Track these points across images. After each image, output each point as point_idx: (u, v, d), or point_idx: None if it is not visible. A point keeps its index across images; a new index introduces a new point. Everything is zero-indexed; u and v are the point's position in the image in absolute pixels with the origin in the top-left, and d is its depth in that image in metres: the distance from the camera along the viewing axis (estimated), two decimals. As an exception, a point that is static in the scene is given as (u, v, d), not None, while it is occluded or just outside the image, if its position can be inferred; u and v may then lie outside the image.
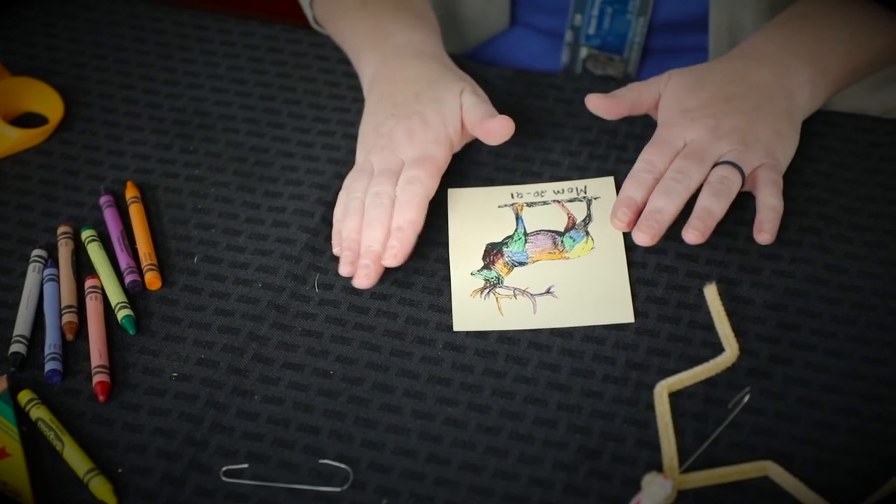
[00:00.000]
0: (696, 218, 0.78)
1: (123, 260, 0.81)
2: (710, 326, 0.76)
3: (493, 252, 0.82)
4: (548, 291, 0.79)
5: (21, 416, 0.74)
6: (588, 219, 0.83)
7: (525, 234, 0.83)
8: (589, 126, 0.89)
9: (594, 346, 0.76)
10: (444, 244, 0.83)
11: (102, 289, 0.80)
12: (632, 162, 0.86)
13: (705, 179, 0.79)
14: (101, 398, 0.74)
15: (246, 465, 0.71)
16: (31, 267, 0.81)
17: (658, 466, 0.70)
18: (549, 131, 0.89)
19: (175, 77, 0.95)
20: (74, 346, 0.78)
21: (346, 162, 0.87)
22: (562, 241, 0.82)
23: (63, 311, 0.79)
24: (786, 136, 0.82)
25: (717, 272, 0.79)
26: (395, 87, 0.84)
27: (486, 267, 0.81)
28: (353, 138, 0.88)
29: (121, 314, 0.78)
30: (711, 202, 0.78)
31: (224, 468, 0.71)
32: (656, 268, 0.80)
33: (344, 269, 0.80)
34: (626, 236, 0.82)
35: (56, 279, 0.81)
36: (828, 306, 0.77)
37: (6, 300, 0.80)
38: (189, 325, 0.78)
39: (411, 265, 0.81)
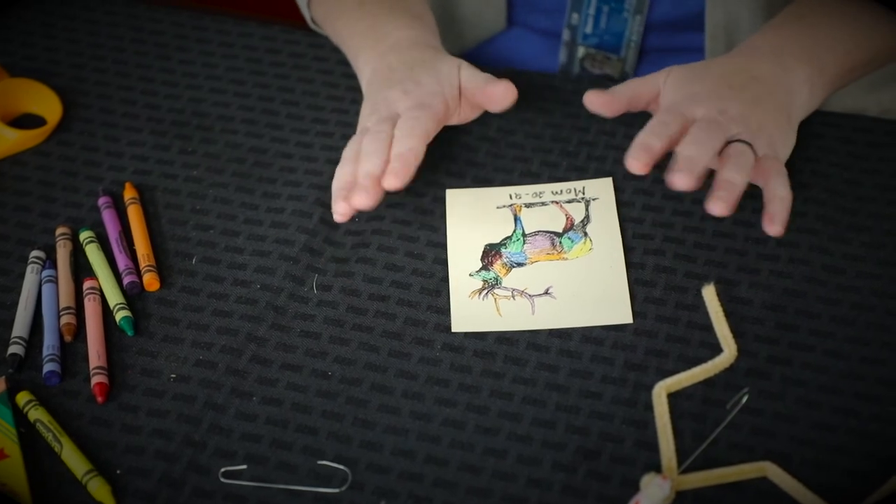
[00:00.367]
0: (721, 189, 0.75)
1: (122, 261, 0.81)
2: (708, 327, 0.76)
3: (491, 253, 0.82)
4: (546, 292, 0.79)
5: (19, 417, 0.74)
6: (586, 220, 0.83)
7: (523, 234, 0.83)
8: (587, 127, 0.89)
9: (593, 346, 0.76)
10: (443, 245, 0.83)
11: (101, 290, 0.80)
12: (630, 163, 0.87)
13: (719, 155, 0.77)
14: (99, 399, 0.74)
15: (244, 467, 0.71)
16: (29, 268, 0.81)
17: (656, 467, 0.70)
18: (548, 132, 0.89)
19: (174, 78, 0.95)
20: (73, 347, 0.78)
21: (344, 163, 0.87)
22: (560, 242, 0.82)
23: (61, 313, 0.79)
24: (785, 133, 0.82)
25: (715, 273, 0.79)
26: (392, 72, 0.84)
27: (485, 268, 0.81)
28: (352, 139, 0.88)
29: (119, 315, 0.78)
30: (733, 174, 0.75)
31: (223, 469, 0.71)
32: (654, 268, 0.80)
33: (337, 206, 0.78)
34: (625, 237, 0.82)
35: (54, 280, 0.81)
36: (826, 307, 0.77)
37: (4, 301, 0.80)
38: (187, 326, 0.78)
39: (409, 266, 0.81)
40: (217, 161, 0.89)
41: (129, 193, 0.86)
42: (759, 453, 0.70)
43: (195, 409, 0.74)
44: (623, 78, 0.99)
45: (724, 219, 0.83)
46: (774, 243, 0.81)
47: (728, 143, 0.78)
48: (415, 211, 0.85)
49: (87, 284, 0.80)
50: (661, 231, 0.82)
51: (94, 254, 0.82)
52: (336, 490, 0.70)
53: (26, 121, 0.92)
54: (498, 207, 0.85)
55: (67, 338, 0.78)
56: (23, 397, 0.75)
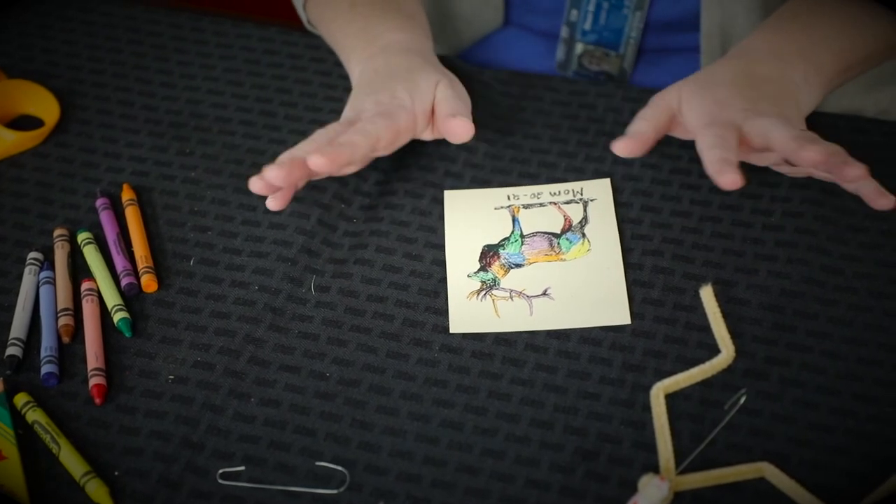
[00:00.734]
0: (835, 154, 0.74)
1: (120, 262, 0.81)
2: (706, 328, 0.76)
3: (489, 254, 0.82)
4: (544, 293, 0.79)
5: (17, 419, 0.74)
6: (584, 220, 0.83)
7: (521, 235, 0.83)
8: (585, 128, 0.90)
9: (590, 347, 0.76)
10: (441, 246, 0.83)
11: (98, 291, 0.80)
12: (628, 164, 0.87)
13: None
14: (97, 401, 0.74)
15: (242, 468, 0.71)
16: (27, 269, 0.81)
17: (654, 468, 0.70)
18: (546, 133, 0.89)
19: (171, 80, 0.95)
20: (71, 348, 0.78)
21: (342, 164, 0.87)
22: (558, 243, 0.82)
23: (59, 314, 0.79)
24: (804, 128, 0.82)
25: (713, 274, 0.79)
26: (376, 77, 0.85)
27: (483, 269, 0.81)
28: (350, 140, 0.88)
29: (117, 317, 0.78)
30: (821, 148, 0.75)
31: (221, 471, 0.71)
32: (652, 269, 0.80)
33: (252, 178, 0.78)
34: (623, 238, 0.82)
35: (52, 282, 0.81)
36: (824, 307, 0.77)
37: (2, 303, 0.80)
38: (185, 327, 0.78)
39: (407, 267, 0.81)
40: (215, 162, 0.89)
41: (126, 195, 0.86)
42: (757, 454, 0.70)
43: (193, 410, 0.74)
44: (621, 75, 0.99)
45: (722, 220, 0.83)
46: (772, 244, 0.81)
47: None
48: (413, 212, 0.85)
49: (84, 286, 0.80)
50: (660, 232, 0.82)
51: (91, 255, 0.82)
52: (334, 491, 0.70)
53: (24, 122, 0.92)
54: (496, 208, 0.85)
55: (65, 339, 0.78)
56: (21, 399, 0.74)
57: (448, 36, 1.01)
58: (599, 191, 0.85)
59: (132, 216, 0.84)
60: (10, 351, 0.77)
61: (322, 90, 0.93)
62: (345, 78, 0.93)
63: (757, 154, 0.81)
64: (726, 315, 0.76)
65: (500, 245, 0.83)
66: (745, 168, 0.85)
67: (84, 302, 0.79)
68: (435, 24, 0.92)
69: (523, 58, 1.00)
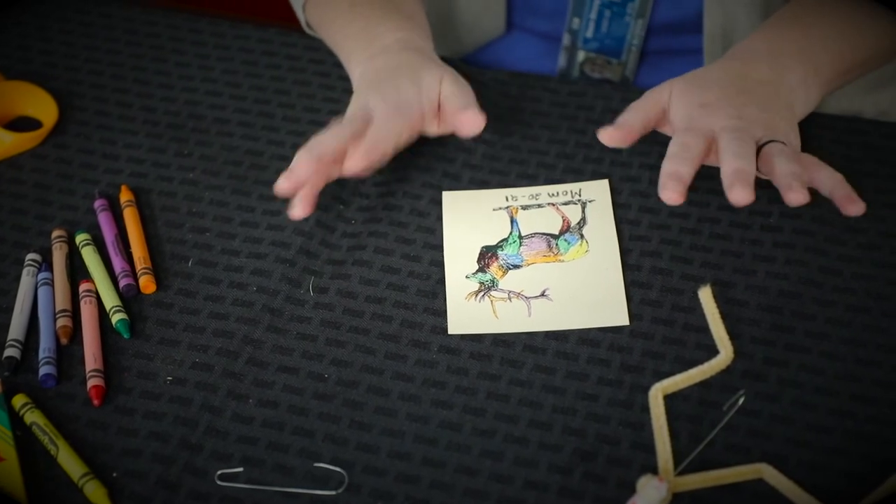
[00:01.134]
0: (799, 185, 0.74)
1: (118, 264, 0.81)
2: (704, 329, 0.76)
3: (487, 255, 0.82)
4: (542, 294, 0.79)
5: (15, 420, 0.74)
6: (583, 221, 0.83)
7: (520, 236, 0.83)
8: (584, 129, 0.90)
9: (589, 348, 0.76)
10: (439, 247, 0.83)
11: (97, 293, 0.80)
12: (626, 165, 0.87)
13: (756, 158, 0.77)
14: (95, 402, 0.74)
15: (241, 469, 0.71)
16: (25, 271, 0.81)
17: (653, 469, 0.70)
18: (544, 134, 0.89)
19: (169, 81, 0.95)
20: (69, 350, 0.78)
21: (340, 165, 0.87)
22: (556, 244, 0.82)
23: (57, 315, 0.79)
24: (796, 132, 0.82)
25: (711, 275, 0.79)
26: (378, 75, 0.85)
27: (481, 270, 0.81)
28: (348, 141, 0.88)
29: (115, 318, 0.78)
30: (794, 167, 0.75)
31: (219, 472, 0.71)
32: (651, 270, 0.80)
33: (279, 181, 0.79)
34: (621, 239, 0.82)
35: (50, 283, 0.81)
36: (822, 308, 0.77)
37: (0, 304, 0.80)
38: (183, 328, 0.78)
39: (406, 268, 0.81)
40: (213, 163, 0.89)
41: (125, 196, 0.86)
42: (756, 455, 0.70)
43: (191, 411, 0.74)
44: (623, 82, 0.99)
45: (720, 221, 0.83)
46: (771, 245, 0.81)
47: (759, 147, 0.78)
48: (411, 213, 0.85)
49: (83, 287, 0.80)
50: (658, 233, 0.82)
51: (90, 256, 0.82)
52: (333, 492, 0.70)
53: (22, 123, 0.92)
54: (494, 209, 0.85)
55: (63, 340, 0.78)
56: (19, 400, 0.74)
57: (450, 43, 1.01)
58: (598, 192, 0.85)
59: (130, 217, 0.84)
60: (9, 352, 0.77)
61: (321, 91, 0.93)
62: (344, 79, 0.93)
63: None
64: (725, 316, 0.76)
65: (499, 246, 0.83)
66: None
67: (82, 303, 0.79)
68: (436, 30, 0.92)
69: (525, 60, 1.00)
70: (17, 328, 0.78)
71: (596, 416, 0.73)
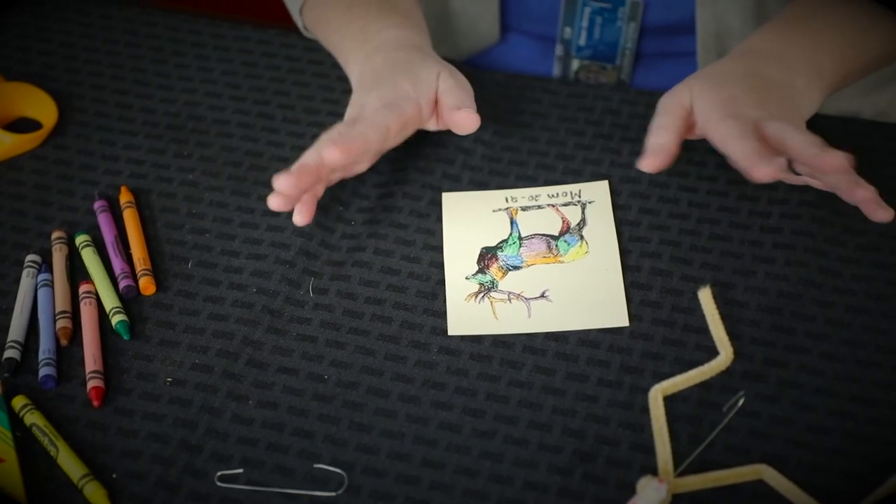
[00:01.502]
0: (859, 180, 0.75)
1: (118, 265, 0.81)
2: (704, 330, 0.76)
3: (487, 256, 0.82)
4: (542, 295, 0.79)
5: (15, 421, 0.74)
6: (583, 223, 0.83)
7: (520, 238, 0.83)
8: (583, 130, 0.90)
9: (589, 349, 0.76)
10: (439, 248, 0.83)
11: (97, 294, 0.80)
12: (627, 166, 0.87)
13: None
14: (95, 403, 0.74)
15: (241, 470, 0.71)
16: (24, 272, 0.81)
17: (653, 470, 0.70)
18: (544, 135, 0.89)
19: (169, 82, 0.95)
20: (69, 351, 0.77)
21: (340, 166, 0.87)
22: (556, 245, 0.82)
23: (57, 317, 0.79)
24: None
25: (711, 276, 0.79)
26: (376, 73, 0.85)
27: (481, 271, 0.81)
28: (348, 143, 0.88)
29: (115, 319, 0.78)
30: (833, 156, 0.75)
31: (219, 473, 0.71)
32: (651, 271, 0.80)
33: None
34: (621, 240, 0.82)
35: (50, 284, 0.81)
36: (822, 309, 0.77)
37: (0, 306, 0.80)
38: (183, 329, 0.78)
39: (405, 269, 0.81)
40: (213, 164, 0.89)
41: (124, 197, 0.86)
42: (756, 456, 0.70)
43: (191, 412, 0.74)
44: (619, 85, 0.99)
45: (720, 222, 0.83)
46: (770, 246, 0.81)
47: None
48: (411, 214, 0.85)
49: (82, 288, 0.80)
50: (658, 234, 0.82)
51: (89, 258, 0.82)
52: (332, 493, 0.70)
53: (22, 125, 0.92)
54: (494, 210, 0.85)
55: (63, 342, 0.77)
56: (19, 401, 0.74)
57: (445, 50, 1.01)
58: (597, 193, 0.85)
59: (130, 219, 0.84)
60: (8, 354, 0.77)
61: (320, 92, 0.93)
62: (343, 80, 0.93)
63: None
64: (724, 317, 0.76)
65: (499, 247, 0.83)
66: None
67: (82, 304, 0.79)
68: (432, 36, 0.92)
69: (522, 62, 1.00)
70: (16, 329, 0.78)
71: (596, 417, 0.73)
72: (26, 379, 0.76)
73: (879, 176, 0.86)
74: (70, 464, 0.71)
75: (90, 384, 0.75)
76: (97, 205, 0.85)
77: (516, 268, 0.81)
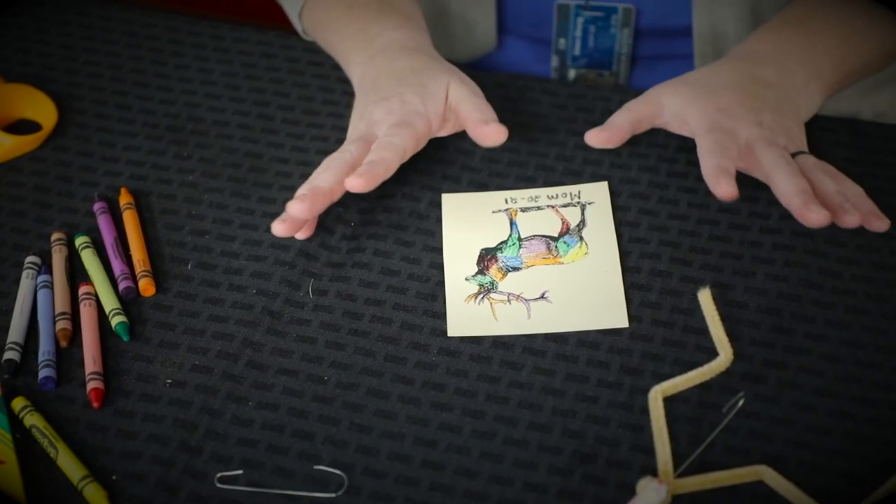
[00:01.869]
0: (850, 206, 0.75)
1: (117, 266, 0.81)
2: (704, 331, 0.76)
3: (487, 257, 0.82)
4: (542, 296, 0.79)
5: (15, 423, 0.74)
6: (582, 224, 0.83)
7: (519, 239, 0.83)
8: (583, 131, 0.89)
9: (588, 350, 0.76)
10: (438, 249, 0.83)
11: (96, 295, 0.80)
12: (626, 167, 0.87)
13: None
14: (95, 405, 0.74)
15: (241, 472, 0.71)
16: (24, 274, 0.81)
17: (653, 471, 0.70)
18: (543, 136, 0.89)
19: (169, 83, 0.95)
20: (68, 352, 0.77)
21: (340, 167, 0.87)
22: (556, 246, 0.82)
23: (57, 318, 0.79)
24: (804, 137, 0.82)
25: (710, 277, 0.79)
26: (380, 79, 0.84)
27: (481, 272, 0.81)
28: (347, 144, 0.88)
29: (115, 321, 0.78)
30: (838, 186, 0.76)
31: (219, 475, 0.71)
32: (650, 273, 0.80)
33: (275, 224, 0.78)
34: (621, 241, 0.82)
35: (50, 286, 0.81)
36: (821, 310, 0.77)
37: (0, 307, 0.80)
38: (183, 331, 0.78)
39: (405, 270, 0.81)
40: (213, 166, 0.89)
41: (124, 199, 0.86)
42: (756, 457, 0.70)
43: (191, 414, 0.74)
44: (619, 86, 0.99)
45: (719, 223, 0.83)
46: (770, 247, 0.81)
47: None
48: (410, 215, 0.85)
49: (82, 290, 0.80)
50: (657, 235, 0.82)
51: (89, 259, 0.82)
52: (332, 495, 0.70)
53: (21, 126, 0.92)
54: (494, 212, 0.85)
55: (63, 343, 0.77)
56: (18, 403, 0.74)
57: (444, 55, 1.01)
58: (597, 194, 0.85)
59: (130, 220, 0.84)
60: (8, 355, 0.77)
61: (320, 94, 0.93)
62: (343, 81, 0.93)
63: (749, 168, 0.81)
64: (724, 318, 0.76)
65: (498, 248, 0.83)
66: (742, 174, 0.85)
67: (82, 306, 0.79)
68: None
69: (521, 64, 1.00)
70: (16, 331, 0.78)
71: (595, 418, 0.73)
72: (26, 380, 0.76)
73: (879, 177, 0.86)
74: (70, 465, 0.71)
75: (90, 386, 0.75)
76: (97, 206, 0.85)
77: (516, 269, 0.81)
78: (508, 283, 0.80)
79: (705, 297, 0.77)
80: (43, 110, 0.92)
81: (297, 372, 0.76)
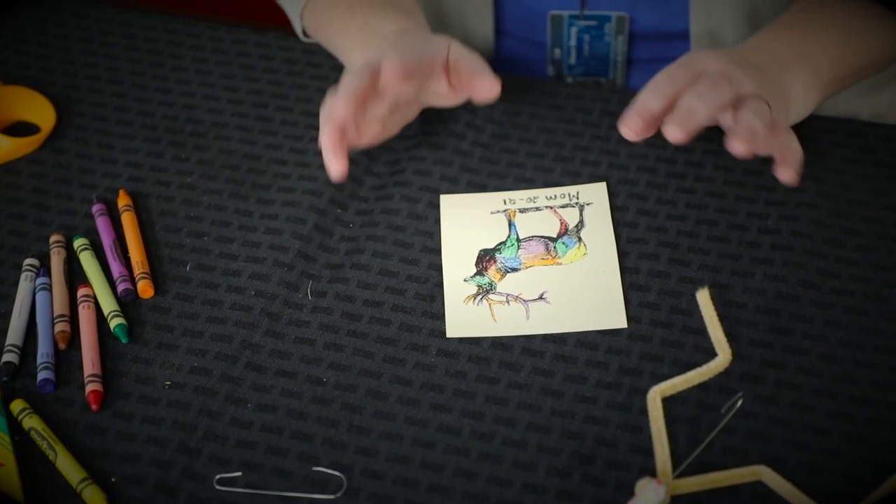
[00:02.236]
0: (747, 136, 0.73)
1: (116, 268, 0.81)
2: (702, 331, 0.76)
3: (485, 258, 0.82)
4: (541, 297, 0.79)
5: (14, 425, 0.74)
6: (581, 224, 0.84)
7: (518, 239, 0.83)
8: (581, 132, 0.90)
9: (587, 351, 0.76)
10: (437, 250, 0.83)
11: (95, 297, 0.80)
12: (624, 167, 0.87)
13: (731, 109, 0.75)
14: (93, 407, 0.74)
15: (239, 474, 0.71)
16: (23, 276, 0.81)
17: (651, 472, 0.70)
18: (542, 137, 0.89)
19: (167, 85, 0.95)
20: (67, 355, 0.77)
21: (338, 169, 0.87)
22: (554, 247, 0.82)
23: (55, 321, 0.79)
24: (784, 114, 0.81)
25: (709, 277, 0.79)
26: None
27: (479, 273, 0.81)
28: (346, 145, 0.88)
29: (113, 323, 0.78)
30: (754, 121, 0.74)
31: (217, 476, 0.71)
32: (649, 273, 0.80)
33: (332, 165, 0.79)
34: (619, 242, 0.82)
35: (48, 288, 0.81)
36: (820, 311, 0.77)
37: (-2, 309, 0.80)
38: (182, 333, 0.78)
39: (404, 271, 0.81)
40: (211, 168, 0.89)
41: (122, 201, 0.86)
42: (754, 457, 0.70)
43: (190, 416, 0.74)
44: (617, 87, 0.99)
45: (718, 223, 0.83)
46: (768, 247, 0.81)
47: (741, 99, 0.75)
48: (409, 216, 0.85)
49: (81, 292, 0.80)
50: (655, 235, 0.82)
51: (88, 261, 0.82)
52: (331, 496, 0.70)
53: (20, 128, 0.92)
54: (492, 213, 0.85)
55: (61, 346, 0.77)
56: (17, 405, 0.74)
57: None
58: (595, 195, 0.85)
59: (128, 222, 0.84)
60: (7, 357, 0.77)
61: (318, 95, 0.93)
62: (340, 83, 0.93)
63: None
64: (723, 318, 0.76)
65: (497, 249, 0.83)
66: (740, 170, 0.85)
67: (80, 308, 0.79)
68: None
69: (519, 67, 1.00)
70: (15, 333, 0.78)
71: (594, 418, 0.73)
72: (25, 383, 0.76)
73: (878, 176, 0.86)
74: (69, 468, 0.71)
75: (88, 388, 0.75)
76: (95, 208, 0.85)
77: (514, 270, 0.81)
78: (507, 284, 0.80)
79: (704, 298, 0.77)
80: (41, 112, 0.92)
81: (296, 373, 0.76)
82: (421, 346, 0.77)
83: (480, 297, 0.80)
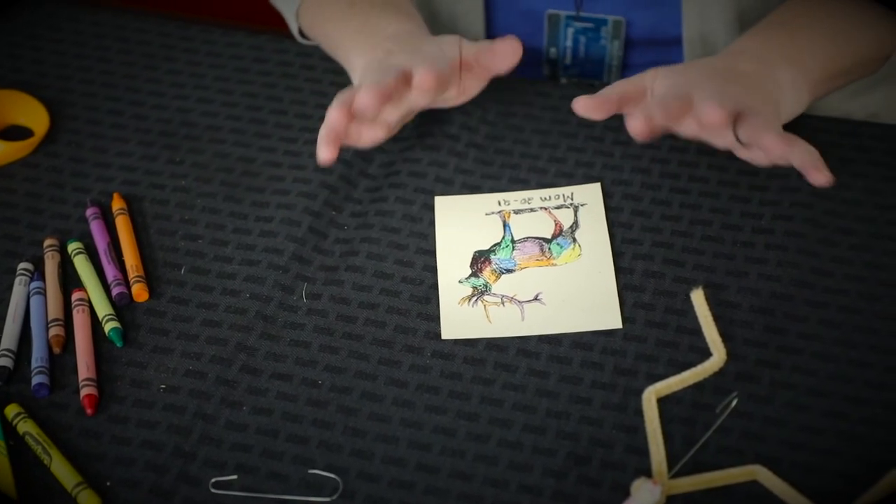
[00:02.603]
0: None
1: (110, 272, 0.81)
2: (697, 331, 0.76)
3: (480, 259, 0.82)
4: (536, 298, 0.79)
5: (8, 430, 0.74)
6: (575, 225, 0.84)
7: (512, 241, 0.83)
8: (575, 133, 0.90)
9: (582, 352, 0.76)
10: (432, 252, 0.83)
11: (89, 301, 0.80)
12: (618, 168, 0.87)
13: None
14: (88, 411, 0.74)
15: (235, 477, 0.71)
16: (17, 280, 0.81)
17: (647, 472, 0.70)
18: (536, 138, 0.89)
19: (161, 88, 0.95)
20: (61, 359, 0.77)
21: (332, 171, 0.87)
22: (549, 248, 0.82)
23: (50, 325, 0.78)
24: (775, 119, 0.82)
25: (703, 277, 0.80)
26: (390, 53, 0.84)
27: (474, 274, 0.81)
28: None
29: (108, 326, 0.78)
30: (804, 155, 0.77)
31: (213, 480, 0.71)
32: (643, 274, 0.80)
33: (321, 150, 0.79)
34: (614, 242, 0.82)
35: (42, 292, 0.80)
36: (814, 310, 0.77)
37: (-7, 314, 0.80)
38: (177, 336, 0.78)
39: (398, 273, 0.81)
40: (205, 171, 0.88)
41: (117, 204, 0.86)
42: (749, 457, 0.70)
43: (185, 419, 0.74)
44: None
45: (712, 223, 0.83)
46: (763, 247, 0.81)
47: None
48: (403, 218, 0.85)
49: (75, 296, 0.80)
50: (650, 236, 0.82)
51: (82, 265, 0.82)
52: (327, 499, 0.70)
53: (13, 132, 0.92)
54: (487, 214, 0.85)
55: (56, 350, 0.77)
56: (11, 410, 0.74)
57: None
58: (590, 195, 0.85)
59: (123, 225, 0.84)
60: (1, 362, 0.76)
61: (312, 98, 0.93)
62: (336, 85, 0.93)
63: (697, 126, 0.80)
64: (717, 318, 0.76)
65: (492, 250, 0.83)
66: (734, 170, 0.85)
67: (75, 312, 0.79)
68: None
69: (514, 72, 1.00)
70: (9, 337, 0.78)
71: (589, 419, 0.73)
72: (19, 387, 0.76)
73: (872, 176, 0.86)
74: (64, 472, 0.71)
75: (83, 392, 0.75)
76: (89, 212, 0.85)
77: (509, 271, 0.81)
78: (502, 286, 0.80)
79: (698, 298, 0.77)
80: (35, 116, 0.92)
81: (291, 376, 0.76)
82: (416, 348, 0.77)
83: (475, 298, 0.80)
